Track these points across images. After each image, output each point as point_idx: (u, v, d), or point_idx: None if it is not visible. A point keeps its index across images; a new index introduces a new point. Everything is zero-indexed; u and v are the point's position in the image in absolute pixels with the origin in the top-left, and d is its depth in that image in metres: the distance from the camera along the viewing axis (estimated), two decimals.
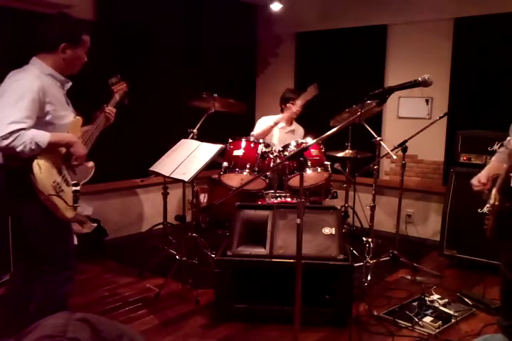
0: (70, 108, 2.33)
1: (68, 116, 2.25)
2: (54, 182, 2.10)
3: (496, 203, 2.20)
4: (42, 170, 2.05)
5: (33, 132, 1.98)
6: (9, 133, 1.91)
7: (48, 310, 2.27)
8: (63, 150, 2.18)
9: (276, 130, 4.20)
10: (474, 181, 2.41)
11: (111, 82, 2.65)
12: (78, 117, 2.33)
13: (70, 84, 2.33)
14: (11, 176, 2.12)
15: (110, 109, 2.55)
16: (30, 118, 2.00)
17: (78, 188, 2.26)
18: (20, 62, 2.26)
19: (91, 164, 2.47)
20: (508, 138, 2.43)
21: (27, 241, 2.31)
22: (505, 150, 2.41)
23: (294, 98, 4.00)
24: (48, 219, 2.16)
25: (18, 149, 1.94)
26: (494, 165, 2.41)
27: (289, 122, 4.25)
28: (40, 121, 2.08)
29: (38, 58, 2.22)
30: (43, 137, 2.01)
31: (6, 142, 1.92)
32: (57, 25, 2.24)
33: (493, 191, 2.27)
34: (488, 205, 2.34)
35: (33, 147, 1.97)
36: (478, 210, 3.66)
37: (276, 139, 4.14)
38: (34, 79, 2.10)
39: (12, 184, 2.13)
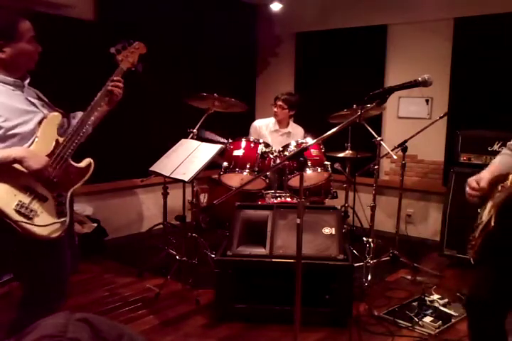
0: (35, 109, 1.94)
1: (31, 120, 1.90)
2: (17, 205, 1.76)
3: (492, 223, 1.79)
4: None
5: None
6: None
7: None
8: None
9: (267, 135, 4.17)
10: (472, 183, 1.92)
11: (116, 49, 2.23)
12: (53, 114, 1.97)
13: (28, 80, 1.95)
14: None
15: (115, 82, 2.14)
16: None
17: (62, 199, 1.92)
18: None
19: (85, 163, 2.04)
20: None
21: None
22: (509, 152, 2.01)
23: (274, 99, 4.15)
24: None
25: None
26: (499, 167, 1.92)
27: (283, 124, 4.23)
28: None
29: None
30: None
31: None
32: None
33: (489, 205, 1.88)
34: (478, 221, 1.94)
35: None
36: (478, 210, 3.64)
37: (270, 143, 3.98)
38: None
39: None
